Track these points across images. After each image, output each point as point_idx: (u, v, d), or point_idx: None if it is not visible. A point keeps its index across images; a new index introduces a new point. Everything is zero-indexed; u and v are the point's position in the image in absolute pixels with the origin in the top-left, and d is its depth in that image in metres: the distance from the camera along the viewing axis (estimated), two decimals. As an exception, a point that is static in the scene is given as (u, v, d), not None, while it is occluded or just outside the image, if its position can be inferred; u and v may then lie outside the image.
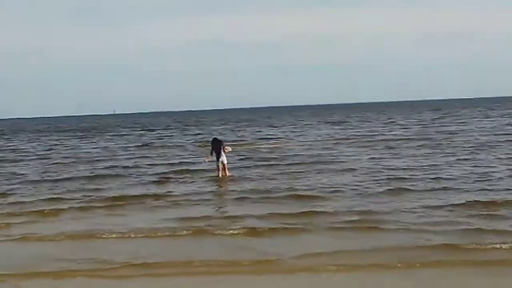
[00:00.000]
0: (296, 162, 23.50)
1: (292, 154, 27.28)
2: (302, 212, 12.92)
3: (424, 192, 15.05)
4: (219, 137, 21.42)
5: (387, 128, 47.95)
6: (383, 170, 19.52)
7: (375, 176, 18.11)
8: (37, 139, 56.15)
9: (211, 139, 20.39)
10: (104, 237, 11.61)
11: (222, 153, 18.90)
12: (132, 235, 11.58)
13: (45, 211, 14.51)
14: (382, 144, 30.17)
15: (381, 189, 15.62)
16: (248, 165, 22.91)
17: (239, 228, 11.61)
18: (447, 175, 17.87)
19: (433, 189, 15.32)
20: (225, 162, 19.11)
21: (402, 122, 56.45)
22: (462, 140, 30.36)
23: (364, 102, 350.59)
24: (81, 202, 15.82)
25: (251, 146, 33.77)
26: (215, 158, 19.09)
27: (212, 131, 54.41)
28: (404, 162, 22.06)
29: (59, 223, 13.23)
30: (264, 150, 30.64)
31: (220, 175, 19.02)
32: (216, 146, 19.02)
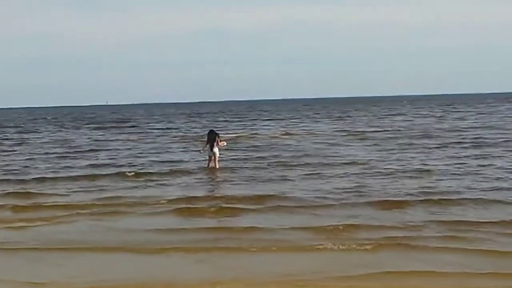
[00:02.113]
0: (307, 162, 20.67)
1: (299, 150, 25.09)
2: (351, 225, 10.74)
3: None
4: (215, 130, 20.94)
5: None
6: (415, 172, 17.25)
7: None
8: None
9: (207, 131, 20.79)
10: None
11: (215, 145, 19.36)
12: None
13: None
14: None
15: (413, 198, 13.19)
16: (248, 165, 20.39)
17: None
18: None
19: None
20: (217, 154, 19.56)
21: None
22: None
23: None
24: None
25: (249, 139, 32.33)
26: (208, 149, 19.57)
27: (208, 123, 52.34)
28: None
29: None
30: (262, 144, 29.07)
31: (209, 166, 19.48)
32: (211, 138, 19.49)
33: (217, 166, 19.36)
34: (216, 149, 19.33)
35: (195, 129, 44.19)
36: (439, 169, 17.58)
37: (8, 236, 10.73)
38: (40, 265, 8.91)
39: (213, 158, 19.39)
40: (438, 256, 8.76)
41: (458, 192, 13.77)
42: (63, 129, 50.71)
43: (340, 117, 60.72)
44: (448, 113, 59.06)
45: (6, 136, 42.69)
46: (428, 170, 17.36)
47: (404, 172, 17.23)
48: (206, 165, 19.57)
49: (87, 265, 8.84)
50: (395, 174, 16.91)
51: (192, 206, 13.12)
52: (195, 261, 8.88)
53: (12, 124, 67.04)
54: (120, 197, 14.46)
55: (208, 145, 19.50)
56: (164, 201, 13.59)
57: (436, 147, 24.27)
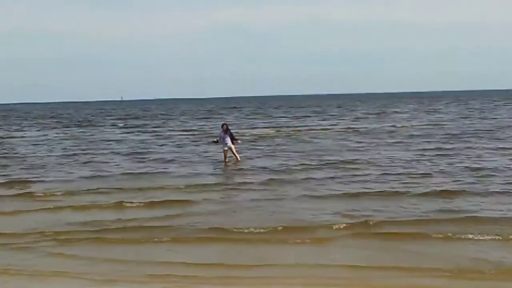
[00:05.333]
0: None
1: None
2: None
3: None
4: (228, 124, 20.68)
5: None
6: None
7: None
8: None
9: (221, 124, 20.48)
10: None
11: (228, 139, 19.28)
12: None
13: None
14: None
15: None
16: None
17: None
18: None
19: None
20: (233, 147, 19.43)
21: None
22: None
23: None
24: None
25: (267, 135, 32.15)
26: (223, 144, 19.51)
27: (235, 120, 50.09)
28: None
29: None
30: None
31: (226, 160, 19.39)
32: (224, 132, 19.39)
33: (239, 159, 19.49)
34: (230, 144, 19.25)
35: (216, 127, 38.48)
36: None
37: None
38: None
39: (231, 151, 19.35)
40: None
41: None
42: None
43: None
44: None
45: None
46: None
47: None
48: (223, 160, 19.45)
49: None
50: None
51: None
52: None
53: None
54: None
55: (222, 140, 19.38)
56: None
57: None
